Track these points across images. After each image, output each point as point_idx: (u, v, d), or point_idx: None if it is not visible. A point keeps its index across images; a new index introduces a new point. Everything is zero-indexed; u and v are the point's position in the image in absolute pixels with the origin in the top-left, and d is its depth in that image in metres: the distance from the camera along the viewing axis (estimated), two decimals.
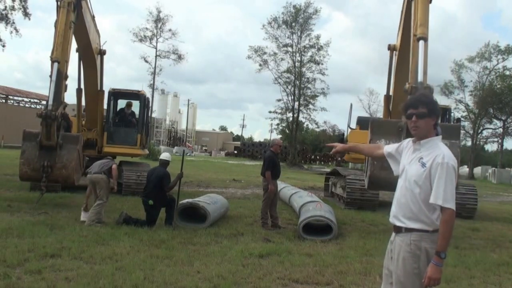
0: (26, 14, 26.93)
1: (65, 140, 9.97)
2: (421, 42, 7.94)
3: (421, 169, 3.00)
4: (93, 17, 12.55)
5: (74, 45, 11.57)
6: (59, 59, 9.93)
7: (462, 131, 52.72)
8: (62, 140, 9.88)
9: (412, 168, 3.07)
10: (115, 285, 5.03)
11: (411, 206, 3.02)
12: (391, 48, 11.93)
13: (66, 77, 10.36)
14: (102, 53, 13.76)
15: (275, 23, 46.15)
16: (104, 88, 14.22)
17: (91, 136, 14.11)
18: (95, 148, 14.07)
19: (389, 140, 8.26)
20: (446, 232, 2.91)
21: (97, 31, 13.51)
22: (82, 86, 13.48)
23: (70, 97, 24.30)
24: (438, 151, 3.00)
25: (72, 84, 12.82)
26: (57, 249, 6.30)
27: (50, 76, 9.87)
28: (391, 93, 12.07)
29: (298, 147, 50.26)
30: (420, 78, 7.84)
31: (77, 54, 12.90)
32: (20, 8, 26.65)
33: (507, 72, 49.85)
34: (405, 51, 11.62)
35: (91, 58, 13.15)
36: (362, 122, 15.34)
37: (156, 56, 53.98)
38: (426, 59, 7.96)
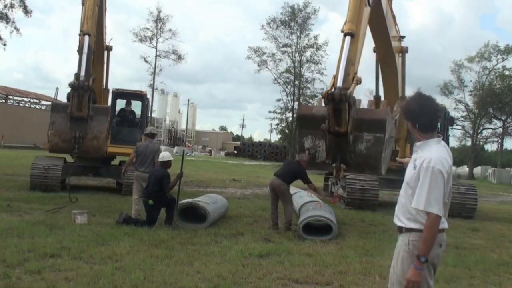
0: (26, 12, 26.88)
1: (95, 111, 9.95)
2: (348, 38, 7.96)
3: (413, 171, 3.04)
4: (105, 10, 12.59)
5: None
6: (89, 31, 9.90)
7: (461, 131, 52.96)
8: (93, 111, 9.86)
9: (408, 169, 3.13)
10: (115, 285, 5.03)
11: (409, 206, 3.04)
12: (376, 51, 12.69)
13: (94, 51, 10.34)
14: (108, 49, 13.78)
15: (274, 23, 46.24)
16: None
17: None
18: None
19: (316, 137, 8.18)
20: (429, 237, 2.89)
21: (105, 26, 13.54)
22: None
23: None
24: (428, 154, 3.01)
25: None
26: (57, 249, 6.29)
27: (78, 51, 9.82)
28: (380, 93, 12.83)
29: (297, 147, 50.24)
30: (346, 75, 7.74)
31: None
32: (21, 6, 26.63)
33: (507, 72, 49.93)
34: (380, 53, 12.46)
35: (100, 52, 13.11)
36: None
37: (156, 56, 54.02)
38: (354, 54, 7.99)
